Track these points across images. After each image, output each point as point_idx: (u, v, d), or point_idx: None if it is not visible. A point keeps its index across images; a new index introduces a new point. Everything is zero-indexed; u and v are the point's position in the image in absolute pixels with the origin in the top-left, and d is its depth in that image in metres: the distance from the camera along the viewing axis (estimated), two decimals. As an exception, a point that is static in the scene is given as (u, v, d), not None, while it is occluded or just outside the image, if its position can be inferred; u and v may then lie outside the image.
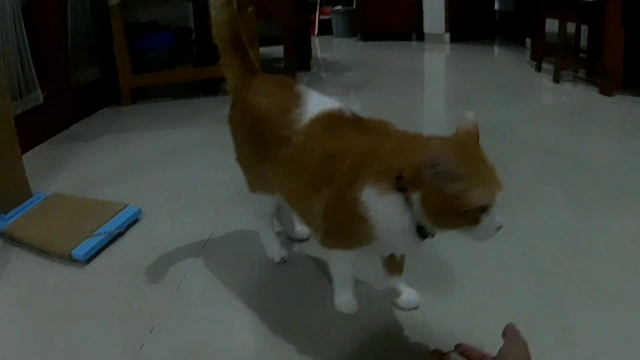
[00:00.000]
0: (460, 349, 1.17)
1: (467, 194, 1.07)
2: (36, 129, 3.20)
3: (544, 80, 4.25)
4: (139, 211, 2.28)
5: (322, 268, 1.75)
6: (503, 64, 5.10)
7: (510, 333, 1.07)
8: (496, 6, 6.91)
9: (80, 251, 1.98)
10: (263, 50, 4.63)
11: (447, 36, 6.27)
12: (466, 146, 1.16)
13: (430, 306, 1.54)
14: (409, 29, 6.72)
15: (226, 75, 1.71)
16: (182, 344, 1.50)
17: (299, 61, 4.68)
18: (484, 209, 1.09)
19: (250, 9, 4.00)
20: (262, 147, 1.54)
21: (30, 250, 2.13)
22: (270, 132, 1.48)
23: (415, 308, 1.53)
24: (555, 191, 2.30)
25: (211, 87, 4.66)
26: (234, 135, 1.71)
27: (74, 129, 3.98)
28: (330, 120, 1.39)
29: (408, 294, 1.55)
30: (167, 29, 5.10)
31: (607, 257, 1.77)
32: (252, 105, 1.57)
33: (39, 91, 3.63)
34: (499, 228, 1.12)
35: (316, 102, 1.45)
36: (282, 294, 1.70)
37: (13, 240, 2.22)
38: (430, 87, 4.48)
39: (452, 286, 1.68)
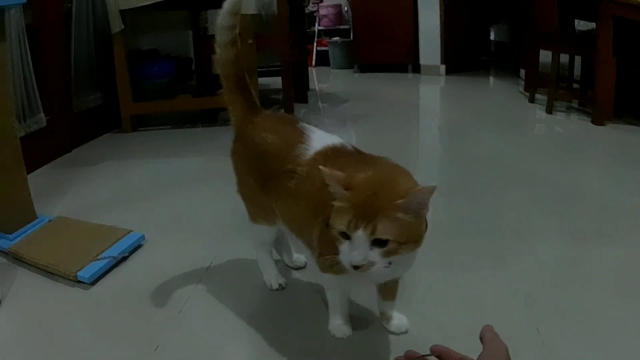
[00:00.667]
0: (436, 351, 1.15)
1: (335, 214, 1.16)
2: (38, 151, 3.25)
3: (537, 110, 4.31)
4: (142, 237, 2.33)
5: (318, 294, 1.80)
6: (497, 94, 5.16)
7: (488, 336, 1.07)
8: (492, 36, 6.98)
9: (85, 273, 2.03)
10: (260, 81, 4.71)
11: (443, 68, 6.34)
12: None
13: (419, 330, 1.60)
14: (405, 60, 6.79)
15: (229, 111, 1.78)
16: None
17: (297, 93, 4.76)
18: (343, 234, 1.15)
19: (250, 41, 4.08)
20: (267, 180, 1.60)
21: (35, 270, 2.17)
22: (275, 166, 1.54)
23: (405, 332, 1.59)
24: (545, 220, 2.36)
25: (210, 117, 4.72)
26: (236, 169, 1.78)
27: (75, 152, 4.02)
28: (332, 153, 1.45)
29: (398, 319, 1.60)
30: (167, 57, 5.18)
31: (589, 285, 1.83)
32: (257, 141, 1.63)
33: (42, 114, 3.68)
34: (352, 264, 1.14)
35: (319, 138, 1.52)
36: (279, 319, 1.75)
37: (18, 260, 2.27)
38: (425, 119, 4.53)
39: (441, 311, 1.73)
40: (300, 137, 1.53)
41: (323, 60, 7.99)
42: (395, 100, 5.41)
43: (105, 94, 4.54)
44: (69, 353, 1.65)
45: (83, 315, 1.87)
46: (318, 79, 6.79)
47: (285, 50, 4.42)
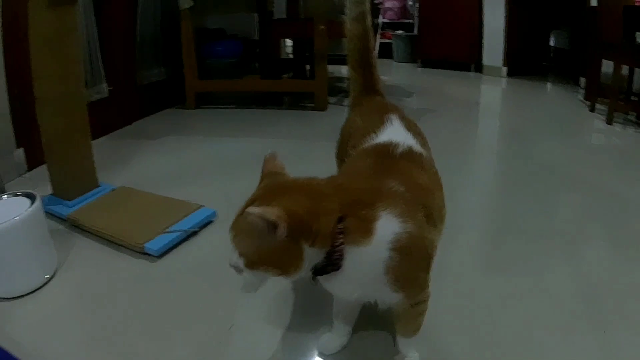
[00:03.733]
0: None
1: None
2: (99, 121, 3.19)
3: (597, 120, 4.16)
4: (214, 213, 2.25)
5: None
6: (557, 101, 5.02)
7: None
8: (551, 42, 6.84)
9: (154, 245, 1.96)
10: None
11: (505, 70, 6.22)
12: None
13: (452, 330, 1.52)
14: (468, 59, 6.66)
15: (350, 86, 1.72)
16: (262, 343, 1.50)
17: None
18: None
19: (321, 27, 3.98)
20: (342, 162, 1.55)
21: (94, 239, 2.13)
22: (346, 149, 1.49)
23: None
24: (595, 230, 2.23)
25: (275, 100, 4.66)
26: (340, 135, 1.68)
27: (136, 125, 4.01)
28: (374, 152, 1.34)
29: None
30: (234, 37, 5.11)
31: (627, 299, 1.70)
32: (350, 122, 1.60)
33: (105, 85, 3.69)
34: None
35: (388, 133, 1.40)
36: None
37: (76, 227, 2.22)
38: (485, 119, 4.42)
39: (477, 311, 1.61)
40: (377, 127, 1.42)
41: (386, 52, 7.89)
42: (457, 98, 5.29)
43: (169, 69, 4.52)
44: (131, 326, 1.60)
45: (149, 288, 1.81)
46: (381, 70, 6.66)
47: (357, 39, 4.26)
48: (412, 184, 1.17)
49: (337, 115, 4.12)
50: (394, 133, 1.38)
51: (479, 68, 6.56)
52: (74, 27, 2.25)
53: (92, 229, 2.15)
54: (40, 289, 1.80)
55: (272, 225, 0.99)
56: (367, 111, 1.57)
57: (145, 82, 4.24)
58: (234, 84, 4.56)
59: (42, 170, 2.82)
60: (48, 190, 2.38)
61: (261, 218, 0.98)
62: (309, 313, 1.63)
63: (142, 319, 1.63)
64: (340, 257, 1.06)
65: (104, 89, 3.68)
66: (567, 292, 1.71)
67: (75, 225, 2.23)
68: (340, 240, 1.05)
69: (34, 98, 2.74)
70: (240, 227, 1.07)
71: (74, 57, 2.28)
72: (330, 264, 1.07)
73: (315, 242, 1.04)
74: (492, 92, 5.63)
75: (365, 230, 1.05)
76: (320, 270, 1.10)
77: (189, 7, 4.15)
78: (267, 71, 4.90)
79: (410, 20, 7.77)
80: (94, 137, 3.03)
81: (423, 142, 1.43)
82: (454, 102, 5.05)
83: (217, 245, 2.03)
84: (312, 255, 1.06)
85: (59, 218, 2.30)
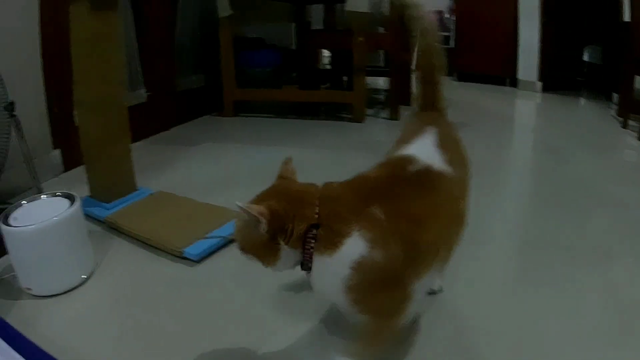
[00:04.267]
0: None
1: None
2: (137, 125, 3.20)
3: (629, 137, 4.06)
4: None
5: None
6: (590, 116, 4.94)
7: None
8: (585, 57, 6.74)
9: (193, 250, 1.95)
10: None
11: (539, 84, 6.14)
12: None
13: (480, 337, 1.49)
14: (503, 73, 6.59)
15: (414, 100, 1.66)
16: (299, 351, 1.49)
17: (401, 95, 4.59)
18: None
19: (360, 39, 3.95)
20: None
21: (131, 242, 2.13)
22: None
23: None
24: (626, 247, 2.16)
25: (313, 110, 4.64)
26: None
27: (174, 131, 4.03)
28: (387, 165, 1.35)
29: None
30: (273, 47, 5.10)
31: None
32: (399, 134, 1.55)
33: (144, 90, 3.72)
34: None
35: (413, 147, 1.38)
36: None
37: (114, 229, 2.22)
38: (520, 134, 4.36)
39: (502, 321, 1.58)
40: (410, 140, 1.42)
41: (422, 65, 7.84)
42: (493, 112, 5.21)
43: (207, 76, 4.54)
44: (165, 329, 1.59)
45: (186, 292, 1.80)
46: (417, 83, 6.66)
47: (396, 52, 4.25)
48: (398, 214, 1.16)
49: (374, 127, 4.11)
50: (420, 147, 1.37)
51: (514, 82, 6.48)
52: (115, 31, 2.27)
53: (130, 232, 2.15)
54: (76, 289, 1.80)
55: (256, 220, 1.12)
56: (413, 124, 1.54)
57: (184, 89, 4.25)
58: (273, 93, 4.55)
59: (78, 171, 2.84)
60: (84, 191, 2.37)
61: (246, 212, 1.11)
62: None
63: (178, 322, 1.62)
64: (309, 261, 1.15)
65: (142, 94, 3.71)
66: (597, 309, 1.67)
67: (112, 228, 2.23)
68: (311, 246, 1.14)
69: (71, 100, 2.77)
70: (236, 222, 1.21)
71: (115, 62, 2.29)
72: (304, 266, 1.18)
73: (289, 241, 1.15)
74: (527, 106, 5.57)
75: (333, 242, 1.11)
76: (303, 267, 1.19)
77: (228, 15, 4.16)
78: (305, 81, 4.88)
79: (447, 33, 7.72)
80: (132, 141, 3.06)
81: (457, 161, 1.37)
82: (488, 116, 4.99)
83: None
84: (289, 253, 1.16)
85: (96, 220, 2.31)
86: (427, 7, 1.57)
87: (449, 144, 1.40)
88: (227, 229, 2.07)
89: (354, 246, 1.09)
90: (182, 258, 1.96)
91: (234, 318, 1.64)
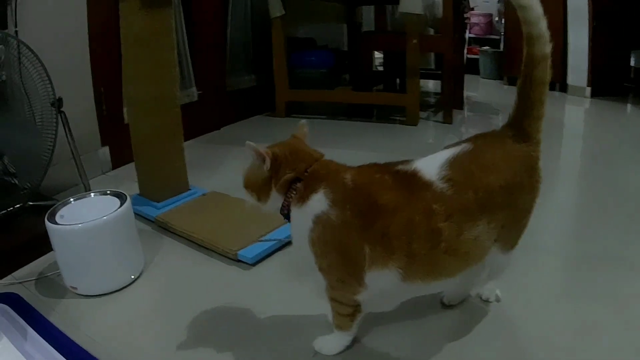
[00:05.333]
0: None
1: None
2: (188, 124, 3.16)
3: None
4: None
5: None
6: (638, 124, 4.77)
7: None
8: (632, 62, 6.55)
9: (248, 253, 1.90)
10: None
11: (588, 90, 5.98)
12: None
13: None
14: (553, 78, 6.43)
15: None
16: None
17: (455, 98, 4.48)
18: None
19: (414, 41, 3.86)
20: None
21: (183, 242, 2.10)
22: None
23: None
24: None
25: (366, 112, 4.53)
26: None
27: (224, 130, 4.00)
28: (391, 163, 1.38)
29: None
30: (326, 48, 5.05)
31: None
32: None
33: (195, 88, 3.70)
34: None
35: (426, 157, 1.36)
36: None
37: (164, 229, 2.19)
38: (569, 140, 4.19)
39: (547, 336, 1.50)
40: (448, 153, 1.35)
41: (472, 68, 7.69)
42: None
43: (259, 76, 4.49)
44: (215, 332, 1.55)
45: (238, 295, 1.74)
46: (467, 86, 6.59)
47: (449, 54, 4.15)
48: (364, 193, 1.25)
49: (427, 131, 4.02)
50: (430, 159, 1.34)
51: (563, 87, 6.34)
52: (169, 30, 2.22)
53: (182, 232, 2.10)
54: (124, 289, 1.77)
55: (262, 158, 1.28)
56: (475, 142, 1.40)
57: (235, 88, 4.22)
58: (326, 94, 4.47)
59: (126, 169, 2.84)
60: (132, 189, 2.36)
61: (255, 150, 1.28)
62: (395, 331, 1.54)
63: (229, 325, 1.57)
64: (287, 209, 1.32)
65: (193, 92, 3.69)
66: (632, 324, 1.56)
67: (163, 227, 2.19)
68: (291, 195, 1.30)
69: (119, 97, 2.77)
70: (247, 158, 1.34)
71: (168, 60, 2.24)
72: (283, 212, 1.34)
73: (277, 184, 1.30)
74: (576, 112, 5.43)
75: (304, 195, 1.27)
76: (281, 212, 1.35)
77: (281, 15, 4.11)
78: (358, 83, 4.80)
79: (496, 37, 7.59)
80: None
81: (465, 185, 1.26)
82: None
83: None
84: (276, 196, 1.32)
85: (146, 219, 2.27)
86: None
87: (471, 168, 1.29)
88: (283, 232, 2.01)
89: (318, 202, 1.24)
90: (236, 260, 1.91)
91: (288, 323, 1.59)
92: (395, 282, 1.26)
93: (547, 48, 1.42)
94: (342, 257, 1.26)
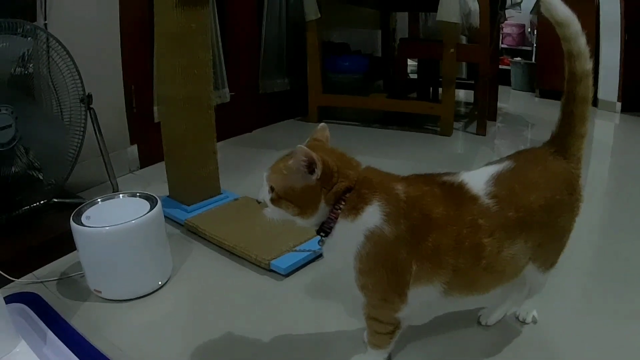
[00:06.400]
0: None
1: None
2: (219, 126, 3.13)
3: None
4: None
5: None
6: None
7: None
8: None
9: (281, 263, 1.84)
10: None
11: (619, 105, 5.89)
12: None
13: None
14: (583, 92, 6.38)
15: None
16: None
17: (489, 110, 4.39)
18: None
19: (452, 50, 3.79)
20: None
21: (213, 248, 2.05)
22: None
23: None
24: None
25: (400, 120, 4.46)
26: None
27: (256, 133, 3.95)
28: (436, 175, 1.33)
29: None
30: (360, 53, 4.99)
31: None
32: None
33: (227, 89, 3.65)
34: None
35: (473, 173, 1.32)
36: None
37: (194, 234, 2.14)
38: (598, 156, 4.10)
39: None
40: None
41: (502, 79, 7.60)
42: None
43: (292, 80, 4.43)
44: (242, 343, 1.51)
45: (269, 306, 1.71)
46: (499, 98, 6.55)
47: (485, 64, 4.06)
48: (417, 204, 1.20)
49: (460, 141, 3.95)
50: (476, 173, 1.32)
51: (594, 102, 6.25)
52: (205, 29, 2.18)
53: (212, 238, 2.04)
54: (151, 295, 1.73)
55: (312, 165, 1.14)
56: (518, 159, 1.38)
57: (268, 91, 4.18)
58: (360, 100, 4.39)
59: (155, 168, 2.80)
60: (160, 190, 2.32)
61: (306, 155, 1.13)
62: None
63: (257, 338, 1.53)
64: (333, 222, 1.19)
65: (226, 93, 3.64)
66: None
67: (192, 232, 2.14)
68: (340, 206, 1.18)
69: (150, 95, 2.71)
70: (281, 166, 1.20)
71: (202, 60, 2.20)
72: (326, 226, 1.21)
73: (327, 195, 1.18)
74: (606, 127, 5.36)
75: (357, 207, 1.17)
76: (320, 229, 1.23)
77: (316, 19, 4.06)
78: (393, 90, 4.73)
79: (529, 48, 7.52)
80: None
81: (510, 202, 1.25)
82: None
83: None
84: (323, 209, 1.19)
85: (175, 222, 2.23)
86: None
87: (513, 185, 1.27)
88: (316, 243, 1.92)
89: (372, 215, 1.16)
90: (269, 270, 1.86)
91: (319, 337, 1.55)
92: (436, 297, 1.25)
93: (588, 65, 1.37)
94: (389, 275, 1.20)
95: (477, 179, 1.27)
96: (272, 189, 1.21)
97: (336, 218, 1.19)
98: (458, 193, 1.24)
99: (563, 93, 1.39)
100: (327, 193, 1.18)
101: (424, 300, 1.26)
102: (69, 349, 1.40)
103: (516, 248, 1.25)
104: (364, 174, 1.22)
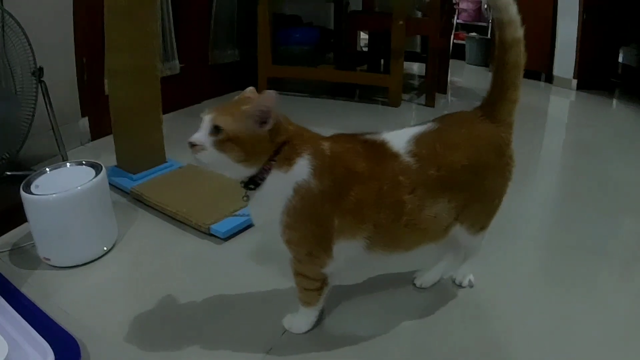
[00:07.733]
0: None
1: None
2: (169, 97, 3.16)
3: None
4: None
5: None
6: (623, 119, 4.78)
7: None
8: (620, 58, 6.59)
9: (221, 227, 1.90)
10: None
11: (574, 82, 6.00)
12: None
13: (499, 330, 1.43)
14: (539, 68, 6.46)
15: None
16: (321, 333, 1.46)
17: (438, 82, 4.49)
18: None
19: (400, 22, 3.86)
20: None
21: (157, 215, 2.09)
22: None
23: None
24: None
25: (348, 91, 4.52)
26: None
27: (205, 104, 3.94)
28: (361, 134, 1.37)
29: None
30: (311, 25, 5.03)
31: None
32: None
33: (177, 61, 3.67)
34: (188, 141, 1.20)
35: (396, 132, 1.37)
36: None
37: (139, 201, 2.18)
38: (552, 131, 4.22)
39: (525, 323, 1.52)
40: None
41: (458, 54, 7.70)
42: (525, 106, 5.05)
43: (242, 51, 4.46)
44: (186, 305, 1.57)
45: (210, 269, 1.77)
46: (452, 71, 6.59)
47: (435, 38, 4.14)
48: (340, 156, 1.26)
49: (409, 113, 4.02)
50: (399, 133, 1.36)
51: (549, 78, 6.35)
52: (153, 1, 2.21)
53: (156, 205, 2.10)
54: (97, 261, 1.77)
55: (266, 115, 1.17)
56: (442, 121, 1.44)
57: (218, 62, 4.19)
58: (309, 71, 4.45)
59: (105, 141, 2.82)
60: (110, 161, 2.35)
61: (266, 107, 1.16)
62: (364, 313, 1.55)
63: (199, 299, 1.58)
64: (267, 173, 1.22)
65: (176, 65, 3.66)
66: (627, 315, 1.59)
67: (137, 200, 2.19)
68: (275, 159, 1.21)
69: (101, 68, 2.74)
70: (234, 110, 1.19)
71: (151, 31, 2.23)
72: (258, 178, 1.23)
73: (270, 146, 1.20)
74: (561, 104, 5.45)
75: (290, 159, 1.21)
76: (248, 182, 1.24)
77: (267, -10, 4.07)
78: (342, 62, 4.79)
79: (484, 24, 7.60)
80: (162, 113, 3.02)
81: (431, 161, 1.30)
82: (521, 110, 4.88)
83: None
84: (262, 159, 1.21)
85: (121, 190, 2.27)
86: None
87: (435, 146, 1.32)
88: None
89: (302, 167, 1.20)
90: (209, 235, 1.92)
91: (257, 298, 1.60)
92: (360, 251, 1.30)
93: (519, 32, 1.41)
94: (315, 229, 1.25)
95: (399, 138, 1.31)
96: (218, 131, 1.17)
97: (269, 169, 1.21)
98: (379, 150, 1.29)
99: (494, 60, 1.44)
100: (271, 144, 1.20)
101: (349, 255, 1.30)
102: (21, 316, 1.42)
103: (439, 207, 1.30)
104: (298, 131, 1.25)
